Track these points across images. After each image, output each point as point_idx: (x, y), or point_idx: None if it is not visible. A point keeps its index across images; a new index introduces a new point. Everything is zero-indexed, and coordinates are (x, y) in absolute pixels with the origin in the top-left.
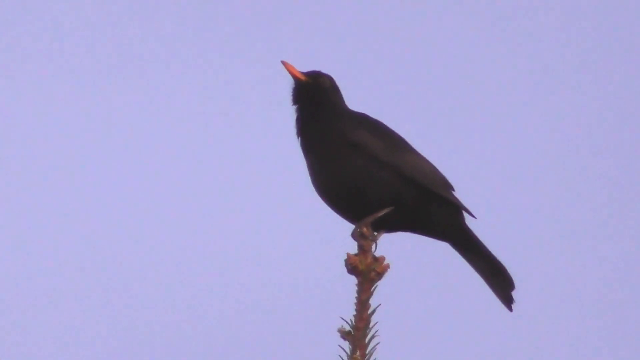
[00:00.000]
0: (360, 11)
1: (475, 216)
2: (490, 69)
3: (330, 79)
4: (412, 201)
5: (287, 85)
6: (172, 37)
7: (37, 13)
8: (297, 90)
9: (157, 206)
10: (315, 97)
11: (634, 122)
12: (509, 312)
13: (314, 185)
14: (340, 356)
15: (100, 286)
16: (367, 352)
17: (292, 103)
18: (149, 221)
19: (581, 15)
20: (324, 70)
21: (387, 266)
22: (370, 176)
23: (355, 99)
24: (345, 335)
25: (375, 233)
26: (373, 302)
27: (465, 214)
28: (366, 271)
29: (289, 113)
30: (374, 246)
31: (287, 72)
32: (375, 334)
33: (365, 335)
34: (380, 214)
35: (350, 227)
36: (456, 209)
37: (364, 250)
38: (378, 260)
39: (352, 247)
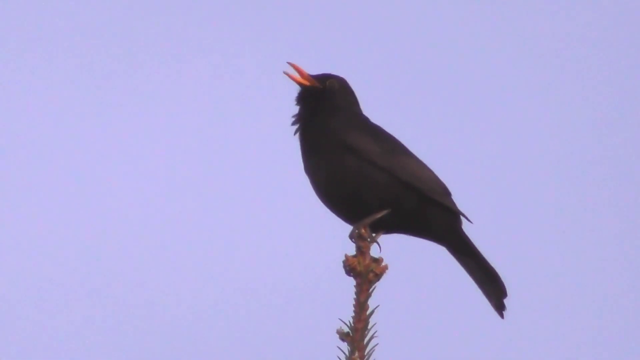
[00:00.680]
0: (358, 13)
1: (472, 221)
2: (486, 75)
3: (340, 81)
4: (409, 205)
5: (286, 84)
6: (171, 36)
7: (37, 13)
8: (302, 94)
9: (156, 205)
10: (320, 100)
11: (630, 126)
12: (501, 319)
13: (312, 187)
14: (339, 357)
15: (100, 286)
16: (365, 353)
17: (296, 103)
18: (148, 220)
19: (580, 15)
20: (335, 71)
21: (386, 267)
22: (366, 179)
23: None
24: (343, 336)
25: (374, 234)
26: (371, 303)
27: (462, 219)
28: (364, 272)
29: (289, 113)
30: (377, 247)
31: (295, 74)
32: (374, 335)
33: (364, 337)
34: (378, 215)
35: (348, 227)
36: (453, 214)
37: (362, 251)
38: (376, 261)
39: (351, 249)
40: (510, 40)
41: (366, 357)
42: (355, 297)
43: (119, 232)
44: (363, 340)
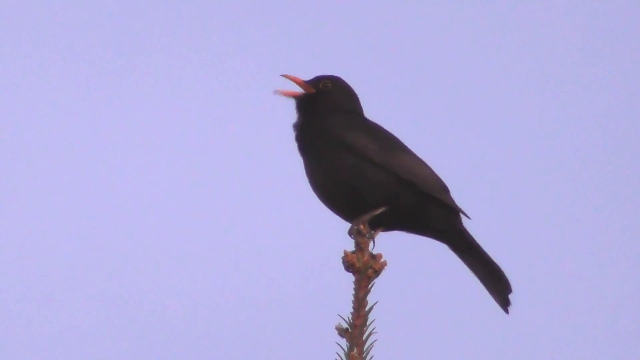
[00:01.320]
0: (357, 12)
1: (470, 217)
2: (483, 71)
3: (333, 80)
4: (407, 202)
5: (285, 83)
6: (170, 36)
7: (36, 13)
8: (298, 102)
9: (155, 203)
10: (316, 103)
11: (630, 122)
12: (506, 314)
13: (310, 184)
14: (337, 354)
15: (99, 286)
16: (364, 349)
17: (295, 112)
18: (147, 220)
19: (579, 15)
20: (332, 70)
21: (385, 263)
22: (364, 177)
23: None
24: (342, 332)
25: (373, 231)
26: (370, 299)
27: (462, 216)
28: (363, 269)
29: (288, 112)
30: (371, 244)
31: (288, 84)
32: (373, 332)
33: (363, 333)
34: (377, 212)
35: (347, 224)
36: (452, 211)
37: (361, 247)
38: (375, 257)
39: (350, 245)
40: (506, 33)
41: (365, 353)
42: (354, 293)
43: (118, 231)
44: (362, 336)
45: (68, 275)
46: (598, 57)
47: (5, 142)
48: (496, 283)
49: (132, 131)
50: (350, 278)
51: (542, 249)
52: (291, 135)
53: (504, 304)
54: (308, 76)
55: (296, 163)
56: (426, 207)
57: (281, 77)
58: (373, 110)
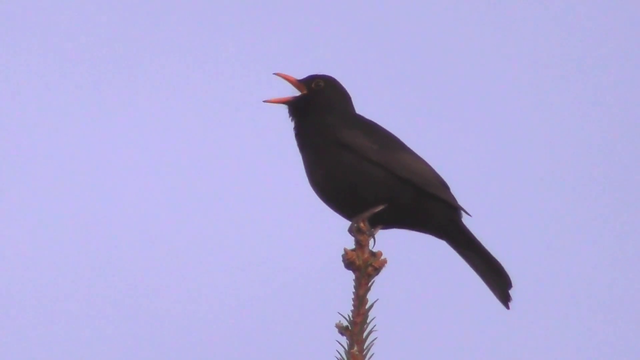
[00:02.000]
0: (355, 10)
1: (471, 214)
2: (483, 68)
3: (326, 80)
4: (406, 199)
5: (283, 83)
6: (169, 37)
7: (34, 13)
8: (292, 105)
9: (155, 203)
10: (310, 103)
11: (628, 119)
12: (506, 310)
13: (310, 183)
14: (338, 351)
15: (98, 286)
16: (364, 347)
17: (289, 114)
18: (147, 220)
19: (576, 15)
20: (324, 70)
21: (385, 261)
22: (363, 175)
23: (352, 96)
24: (342, 330)
25: (372, 229)
26: (370, 297)
27: (462, 213)
28: (363, 266)
29: (286, 112)
30: (372, 241)
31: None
32: (373, 329)
33: (363, 330)
34: (376, 209)
35: (346, 222)
36: (451, 208)
37: (361, 245)
38: (375, 255)
39: (350, 243)
40: (505, 31)
41: (365, 351)
42: (354, 291)
43: (117, 232)
44: (362, 334)
45: (68, 275)
46: (597, 57)
47: (5, 142)
48: (496, 279)
49: (131, 131)
50: (350, 276)
51: (542, 244)
52: (290, 134)
53: (505, 299)
54: (301, 75)
55: (296, 161)
56: (425, 204)
57: (274, 75)
58: (372, 108)
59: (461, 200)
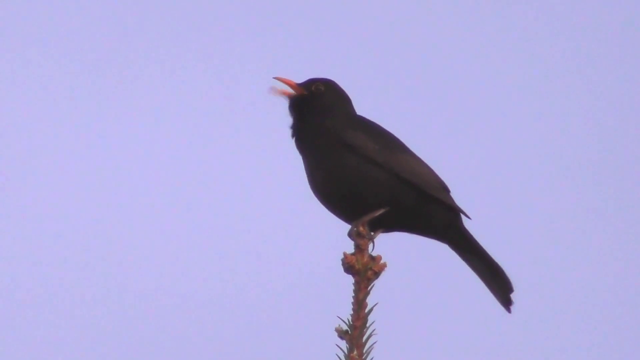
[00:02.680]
0: (356, 12)
1: (471, 217)
2: (483, 71)
3: (326, 83)
4: (408, 202)
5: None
6: (168, 40)
7: (33, 12)
8: (292, 103)
9: (154, 204)
10: (310, 105)
11: (628, 121)
12: (508, 314)
13: (310, 186)
14: (337, 355)
15: (97, 286)
16: (364, 351)
17: (288, 113)
18: (147, 220)
19: (574, 16)
20: (325, 74)
21: (384, 265)
22: (365, 177)
23: (354, 99)
24: (342, 334)
25: (372, 232)
26: (370, 301)
27: (462, 216)
28: (363, 270)
29: (285, 113)
30: (371, 245)
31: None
32: (373, 333)
33: (363, 335)
34: (377, 213)
35: (346, 226)
36: (452, 211)
37: (360, 249)
38: (375, 259)
39: (349, 247)
40: (505, 32)
41: (365, 355)
42: (353, 295)
43: (117, 232)
44: (362, 338)
45: (68, 275)
46: (596, 57)
47: (5, 143)
48: (497, 282)
49: (130, 132)
50: (350, 280)
51: (543, 247)
52: (289, 136)
53: (506, 303)
54: (301, 79)
55: (295, 164)
56: (427, 207)
57: (274, 79)
58: (372, 110)
59: (461, 203)
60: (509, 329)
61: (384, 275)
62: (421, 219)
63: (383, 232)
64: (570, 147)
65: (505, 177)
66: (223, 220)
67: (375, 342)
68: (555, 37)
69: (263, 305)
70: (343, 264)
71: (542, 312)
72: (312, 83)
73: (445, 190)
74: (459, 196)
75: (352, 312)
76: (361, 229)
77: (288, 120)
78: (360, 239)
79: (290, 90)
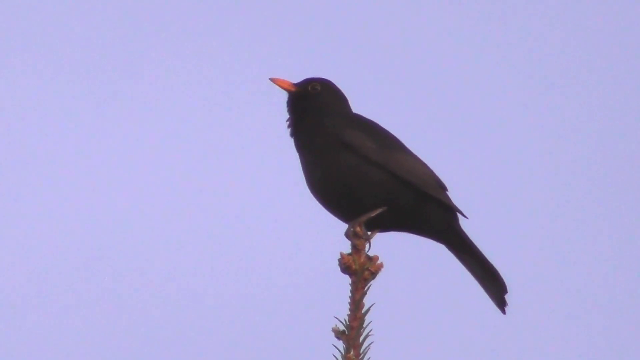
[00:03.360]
0: (354, 13)
1: (467, 217)
2: (480, 70)
3: (322, 83)
4: (405, 202)
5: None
6: (166, 41)
7: (32, 13)
8: (289, 100)
9: (154, 204)
10: (307, 104)
11: (625, 122)
12: (502, 315)
13: (307, 185)
14: (334, 355)
15: (98, 286)
16: (361, 351)
17: (286, 111)
18: (146, 220)
19: (572, 16)
20: (322, 74)
21: (381, 265)
22: (363, 176)
23: (351, 98)
24: (339, 334)
25: (369, 232)
26: (367, 301)
27: (460, 216)
28: (360, 270)
29: (284, 113)
30: (367, 245)
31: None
32: (369, 333)
33: (359, 335)
34: (374, 213)
35: (343, 226)
36: (449, 210)
37: (357, 249)
38: (372, 259)
39: (346, 247)
40: (502, 32)
41: (361, 355)
42: (350, 295)
43: (116, 232)
44: (358, 338)
45: (69, 275)
46: (593, 57)
47: (5, 143)
48: (492, 283)
49: (130, 132)
50: (346, 280)
51: (539, 249)
52: (287, 136)
53: (501, 304)
54: (297, 79)
55: (293, 164)
56: (424, 207)
57: (269, 80)
58: (370, 109)
59: (458, 203)
60: (503, 329)
61: (380, 276)
62: (418, 219)
63: (380, 232)
64: (568, 148)
65: (502, 177)
66: (220, 220)
67: (372, 343)
68: (554, 37)
69: (260, 305)
70: (340, 264)
71: (536, 314)
72: (308, 83)
73: (443, 189)
74: (456, 196)
75: (348, 313)
76: (358, 229)
77: (285, 117)
78: (357, 239)
79: (290, 82)
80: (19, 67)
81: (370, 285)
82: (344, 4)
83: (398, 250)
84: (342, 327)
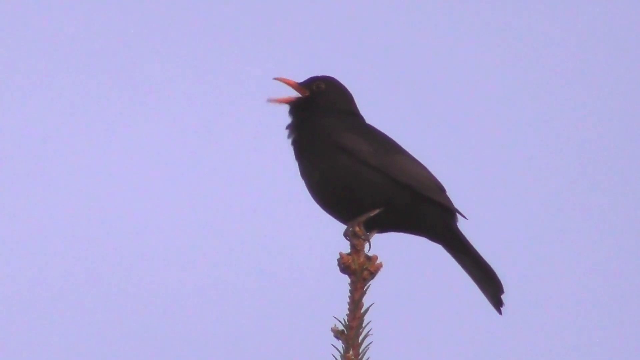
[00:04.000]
0: (353, 13)
1: (467, 217)
2: (477, 71)
3: (327, 81)
4: (403, 203)
5: (280, 86)
6: (168, 40)
7: (32, 13)
8: (291, 109)
9: (153, 204)
10: (310, 105)
11: (622, 122)
12: (499, 315)
13: (306, 186)
14: (333, 355)
15: (98, 287)
16: (360, 351)
17: (289, 116)
18: (146, 220)
19: (572, 16)
20: (324, 71)
21: (380, 265)
22: (360, 178)
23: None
24: (338, 334)
25: (368, 232)
26: (366, 301)
27: (458, 216)
28: (359, 270)
29: (284, 114)
30: (367, 245)
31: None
32: (369, 333)
33: (359, 335)
34: (372, 214)
35: (342, 226)
36: (447, 211)
37: (356, 249)
38: (371, 259)
39: (345, 247)
40: (501, 32)
41: (360, 355)
42: (349, 295)
43: (116, 233)
44: (357, 338)
45: (69, 275)
46: (591, 57)
47: (5, 143)
48: (488, 284)
49: (129, 133)
50: (346, 280)
51: (535, 249)
52: (286, 137)
53: (497, 304)
54: (301, 77)
55: (292, 165)
56: (422, 208)
57: (274, 80)
58: (369, 110)
59: (457, 203)
60: (499, 329)
61: (379, 276)
62: (416, 219)
63: (378, 232)
64: (566, 149)
65: (499, 178)
66: (220, 221)
67: (371, 342)
68: (553, 37)
69: (259, 305)
70: (339, 264)
71: (532, 314)
72: (312, 82)
73: (441, 190)
74: (455, 197)
75: (348, 312)
76: (357, 229)
77: (286, 121)
78: (356, 239)
79: (288, 96)
80: (19, 67)
81: (369, 285)
82: (344, 4)
83: (397, 250)
84: (341, 327)
